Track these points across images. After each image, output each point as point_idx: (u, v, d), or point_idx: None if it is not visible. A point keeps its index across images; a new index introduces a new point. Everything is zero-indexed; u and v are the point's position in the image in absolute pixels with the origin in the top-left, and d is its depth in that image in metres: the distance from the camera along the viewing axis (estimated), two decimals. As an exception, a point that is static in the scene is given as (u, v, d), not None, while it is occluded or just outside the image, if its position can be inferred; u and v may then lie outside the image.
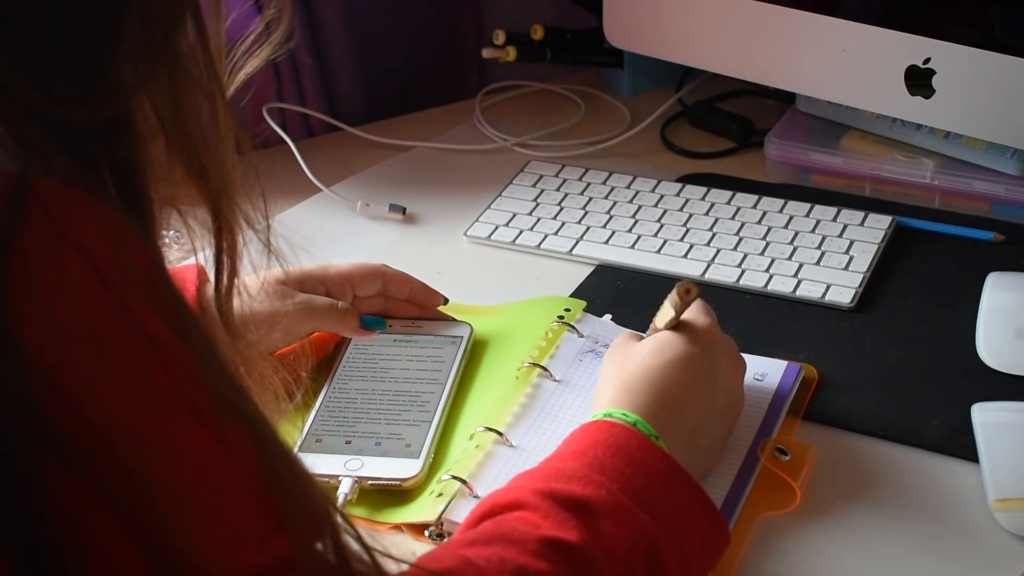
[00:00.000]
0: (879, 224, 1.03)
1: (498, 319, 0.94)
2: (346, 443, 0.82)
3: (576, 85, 1.32)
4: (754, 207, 1.07)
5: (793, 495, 0.76)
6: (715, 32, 1.11)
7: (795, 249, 1.01)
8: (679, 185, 1.11)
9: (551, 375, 0.86)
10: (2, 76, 0.42)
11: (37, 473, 0.41)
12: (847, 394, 0.85)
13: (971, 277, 0.95)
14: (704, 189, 1.10)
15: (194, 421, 0.45)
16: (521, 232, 1.07)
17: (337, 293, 0.88)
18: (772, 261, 0.99)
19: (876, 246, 1.00)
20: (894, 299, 0.95)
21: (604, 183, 1.12)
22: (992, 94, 0.98)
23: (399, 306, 0.92)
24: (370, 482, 0.78)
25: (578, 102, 1.29)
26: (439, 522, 0.75)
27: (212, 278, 0.54)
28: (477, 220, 1.09)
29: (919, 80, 1.02)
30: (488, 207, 1.10)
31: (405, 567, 0.54)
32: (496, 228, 1.07)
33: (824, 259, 0.99)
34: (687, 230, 1.05)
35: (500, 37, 1.25)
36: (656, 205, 1.08)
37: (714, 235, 1.03)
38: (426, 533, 0.75)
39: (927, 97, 1.02)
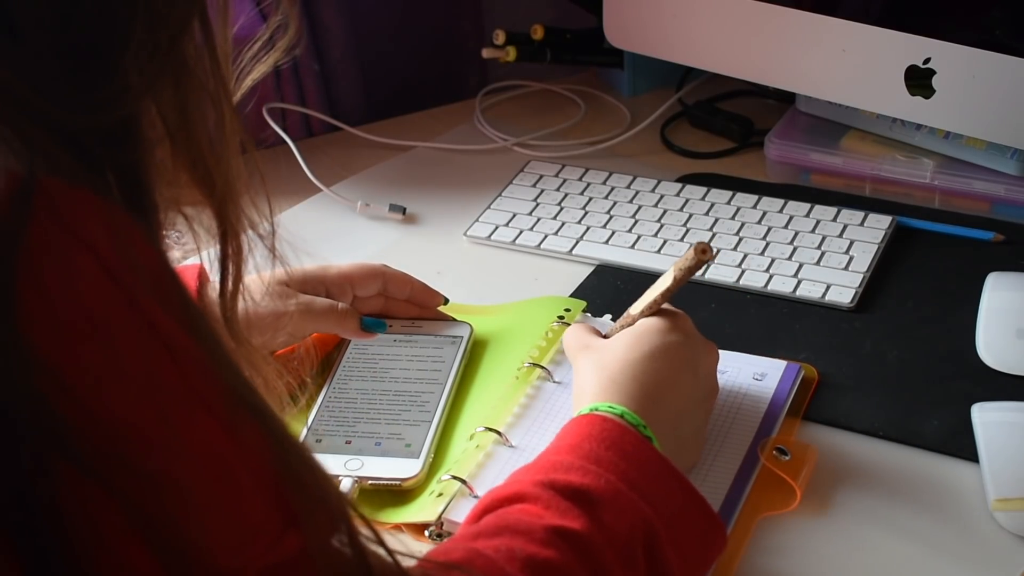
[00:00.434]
0: (879, 224, 1.03)
1: (498, 319, 0.94)
2: (346, 443, 0.82)
3: (576, 85, 1.32)
4: (754, 207, 1.07)
5: (793, 495, 0.76)
6: (715, 32, 1.11)
7: (795, 249, 1.01)
8: (679, 185, 1.11)
9: (551, 376, 0.86)
10: (8, 82, 0.42)
11: (46, 472, 0.41)
12: (847, 394, 0.85)
13: (971, 277, 0.95)
14: (704, 189, 1.10)
15: (206, 417, 0.45)
16: (521, 232, 1.07)
17: (337, 293, 0.88)
18: (772, 261, 0.99)
19: (876, 246, 1.00)
20: (894, 299, 0.95)
21: (604, 183, 1.12)
22: (992, 94, 0.98)
23: (399, 306, 0.92)
24: (370, 482, 0.78)
25: (578, 102, 1.29)
26: (439, 522, 0.75)
27: (216, 283, 0.54)
28: (477, 220, 1.09)
29: (919, 80, 1.02)
30: (488, 207, 1.10)
31: (413, 562, 0.54)
32: (496, 228, 1.07)
33: (824, 259, 0.99)
34: (687, 230, 1.05)
35: (500, 37, 1.25)
36: (656, 205, 1.08)
37: (714, 235, 1.03)
38: (426, 533, 0.75)
39: (927, 97, 1.02)
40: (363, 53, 1.27)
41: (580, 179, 1.14)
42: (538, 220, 1.08)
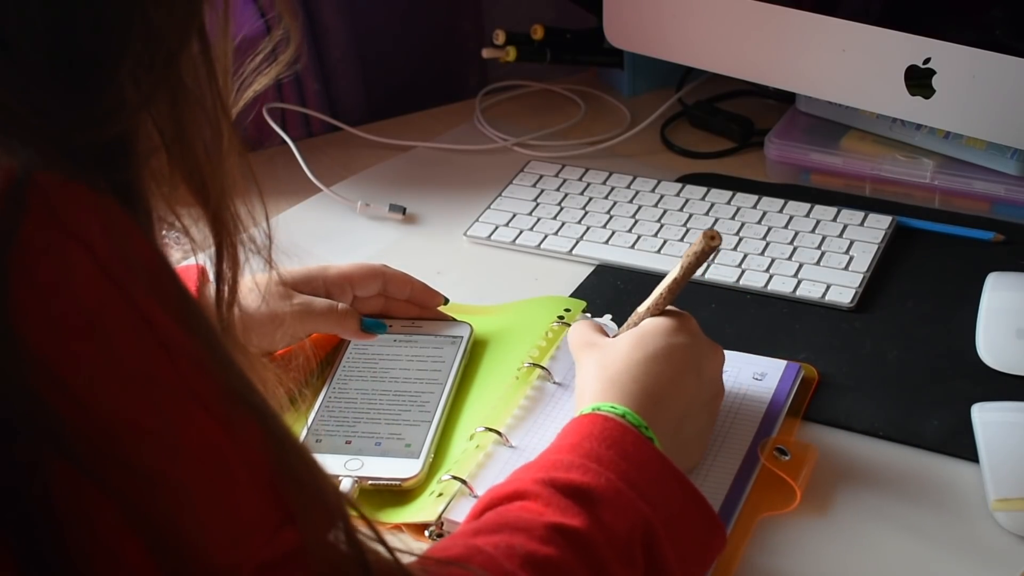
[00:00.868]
0: (879, 224, 1.03)
1: (498, 319, 0.94)
2: (346, 443, 0.82)
3: (576, 85, 1.32)
4: (754, 207, 1.07)
5: (793, 495, 0.76)
6: (715, 32, 1.11)
7: (795, 249, 1.01)
8: (679, 185, 1.11)
9: (551, 376, 0.86)
10: (1, 98, 0.42)
11: (41, 469, 0.41)
12: (847, 394, 0.85)
13: (971, 277, 0.95)
14: (704, 189, 1.10)
15: (201, 413, 0.45)
16: (521, 232, 1.07)
17: (337, 294, 0.88)
18: (772, 261, 0.99)
19: (876, 246, 1.00)
20: (894, 299, 0.95)
21: (604, 183, 1.12)
22: (992, 94, 0.98)
23: (399, 306, 0.92)
24: (370, 482, 0.78)
25: (578, 102, 1.29)
26: (439, 522, 0.75)
27: (213, 290, 0.54)
28: (477, 220, 1.09)
29: (919, 80, 1.02)
30: (488, 207, 1.10)
31: (411, 559, 0.54)
32: (496, 228, 1.07)
33: (824, 259, 0.99)
34: (687, 230, 1.05)
35: (500, 37, 1.25)
36: (656, 205, 1.08)
37: (714, 235, 1.03)
38: (426, 533, 0.75)
39: (927, 97, 1.02)
40: (363, 53, 1.27)
41: (580, 179, 1.14)
42: (538, 220, 1.08)
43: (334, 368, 0.88)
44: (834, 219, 1.04)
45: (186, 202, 0.50)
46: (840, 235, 1.02)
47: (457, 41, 1.35)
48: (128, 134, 0.46)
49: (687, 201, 1.08)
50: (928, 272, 0.98)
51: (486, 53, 1.25)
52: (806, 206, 1.06)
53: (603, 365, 0.76)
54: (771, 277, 0.98)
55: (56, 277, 0.41)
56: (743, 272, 0.98)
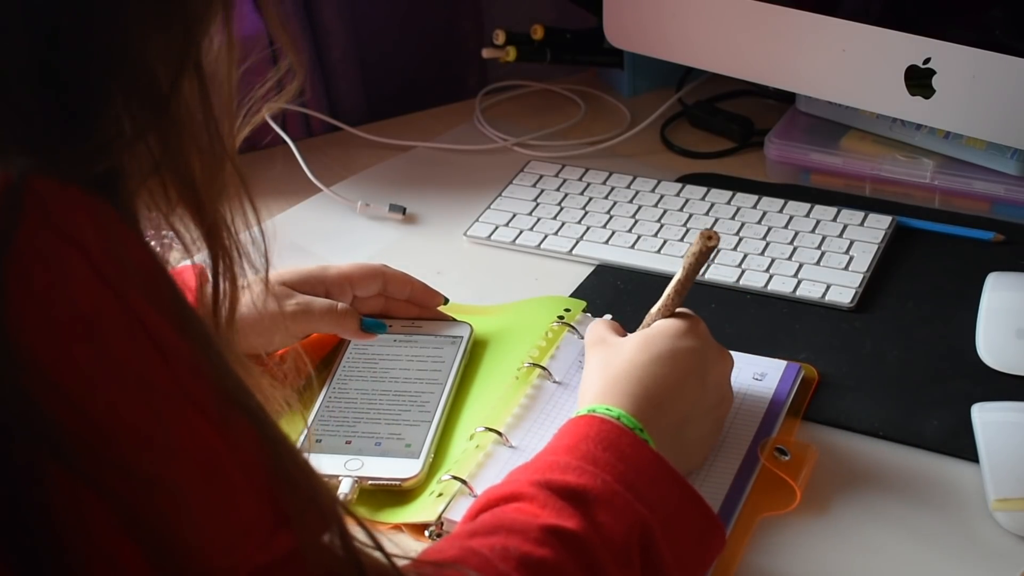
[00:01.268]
0: (879, 224, 1.03)
1: (498, 319, 0.94)
2: (346, 443, 0.82)
3: (576, 85, 1.32)
4: (754, 207, 1.07)
5: (793, 495, 0.76)
6: (715, 32, 1.11)
7: (795, 249, 1.01)
8: (679, 185, 1.11)
9: (551, 376, 0.86)
10: None
11: (36, 472, 0.41)
12: (847, 394, 0.85)
13: (971, 277, 0.95)
14: (704, 189, 1.10)
15: (197, 416, 0.45)
16: (521, 232, 1.07)
17: (337, 294, 0.88)
18: (772, 261, 0.99)
19: (876, 246, 1.00)
20: (894, 299, 0.95)
21: (604, 183, 1.12)
22: (992, 94, 0.98)
23: (399, 306, 0.92)
24: (370, 482, 0.78)
25: (578, 102, 1.29)
26: (439, 522, 0.75)
27: (209, 295, 0.54)
28: (477, 220, 1.09)
29: (919, 80, 1.02)
30: (488, 207, 1.10)
31: (406, 562, 0.54)
32: (496, 228, 1.07)
33: (824, 259, 0.99)
34: (687, 230, 1.05)
35: (500, 37, 1.25)
36: (656, 205, 1.08)
37: (714, 235, 1.03)
38: (426, 533, 0.75)
39: (927, 97, 1.02)
40: (363, 53, 1.27)
41: (580, 179, 1.14)
42: (538, 220, 1.08)
43: (334, 368, 0.88)
44: (834, 219, 1.04)
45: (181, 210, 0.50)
46: (840, 235, 1.02)
47: (457, 41, 1.35)
48: (122, 163, 0.46)
49: (687, 201, 1.08)
50: (928, 272, 0.98)
51: (486, 53, 1.25)
52: (806, 206, 1.06)
53: (607, 364, 0.76)
54: (771, 277, 0.98)
55: (52, 281, 0.41)
56: (743, 272, 0.98)
